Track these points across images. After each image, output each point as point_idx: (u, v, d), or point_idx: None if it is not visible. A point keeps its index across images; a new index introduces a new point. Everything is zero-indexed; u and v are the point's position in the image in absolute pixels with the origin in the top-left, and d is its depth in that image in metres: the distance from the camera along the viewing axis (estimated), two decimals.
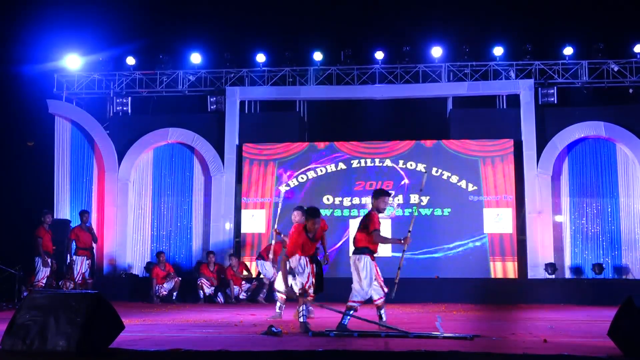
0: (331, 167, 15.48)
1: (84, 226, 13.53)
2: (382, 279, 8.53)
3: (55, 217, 15.20)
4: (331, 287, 14.15)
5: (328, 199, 15.34)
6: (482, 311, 11.47)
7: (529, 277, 14.56)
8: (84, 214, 13.74)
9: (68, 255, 13.40)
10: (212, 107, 15.97)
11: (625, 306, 5.87)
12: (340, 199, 15.34)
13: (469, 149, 15.21)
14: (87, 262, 13.23)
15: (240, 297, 13.99)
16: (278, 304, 9.81)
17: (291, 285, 8.75)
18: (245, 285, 14.08)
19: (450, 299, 13.45)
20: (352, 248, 8.22)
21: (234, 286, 13.99)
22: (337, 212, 15.29)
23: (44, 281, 12.58)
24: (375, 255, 8.17)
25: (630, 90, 15.46)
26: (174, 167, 16.07)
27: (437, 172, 15.19)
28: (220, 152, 15.67)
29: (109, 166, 15.78)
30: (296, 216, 9.48)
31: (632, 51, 15.17)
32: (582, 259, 14.93)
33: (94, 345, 5.72)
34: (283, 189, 15.29)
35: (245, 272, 14.32)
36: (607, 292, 13.18)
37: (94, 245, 13.87)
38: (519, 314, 10.93)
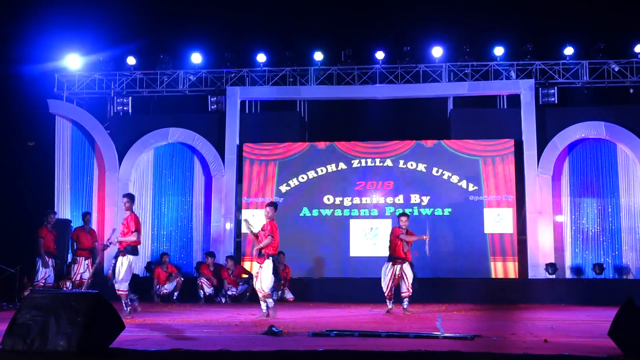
0: (331, 167, 15.47)
1: (86, 227, 13.58)
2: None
3: (55, 216, 15.20)
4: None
5: (328, 199, 15.34)
6: (482, 311, 11.47)
7: (529, 277, 14.56)
8: (86, 216, 13.83)
9: (70, 255, 13.44)
10: (212, 107, 15.97)
11: (625, 306, 5.88)
12: (340, 198, 15.34)
13: (470, 149, 15.21)
14: (86, 262, 13.26)
15: (229, 292, 13.97)
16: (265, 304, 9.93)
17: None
18: (243, 286, 14.05)
19: (451, 299, 13.44)
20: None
21: (228, 285, 14.00)
22: (338, 212, 15.29)
23: (44, 282, 12.60)
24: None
25: (631, 91, 15.43)
26: (175, 167, 16.07)
27: (437, 172, 15.19)
28: (221, 152, 15.67)
29: (109, 166, 15.78)
30: (269, 212, 9.91)
31: (632, 51, 15.16)
32: (583, 259, 14.92)
33: (95, 345, 5.73)
34: (283, 188, 15.32)
35: (245, 275, 14.29)
36: (607, 292, 13.19)
37: (96, 245, 13.88)
38: (519, 314, 10.94)
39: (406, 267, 10.94)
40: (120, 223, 10.37)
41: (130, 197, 10.36)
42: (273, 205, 10.04)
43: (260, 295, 9.79)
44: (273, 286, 13.87)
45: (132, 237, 9.92)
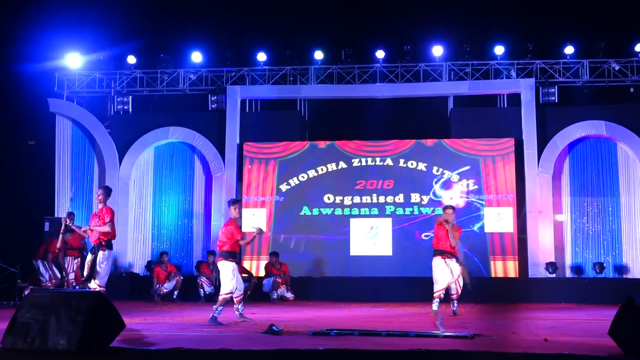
0: (332, 166, 15.47)
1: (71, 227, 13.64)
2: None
3: (56, 215, 15.23)
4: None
5: (329, 198, 15.33)
6: (482, 310, 11.47)
7: (529, 276, 14.55)
8: (69, 216, 13.85)
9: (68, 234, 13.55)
10: (213, 106, 15.97)
11: (625, 305, 5.88)
12: (341, 197, 15.34)
13: (470, 148, 15.20)
14: (76, 261, 13.37)
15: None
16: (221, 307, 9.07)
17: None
18: (244, 285, 14.06)
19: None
20: None
21: None
22: (338, 211, 15.29)
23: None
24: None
25: (631, 90, 15.42)
26: (175, 166, 16.08)
27: (437, 171, 15.19)
28: (221, 151, 15.67)
29: (109, 165, 15.78)
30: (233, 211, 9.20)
31: (633, 50, 15.16)
32: (583, 258, 14.92)
33: (95, 344, 5.73)
34: (284, 187, 15.32)
35: (244, 274, 14.30)
36: (607, 291, 13.19)
37: (84, 243, 13.92)
38: (519, 313, 10.94)
39: (453, 263, 10.18)
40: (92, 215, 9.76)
41: (106, 190, 9.80)
42: (232, 202, 9.36)
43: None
44: (271, 286, 14.01)
45: (106, 228, 9.34)
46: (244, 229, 9.77)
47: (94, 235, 9.52)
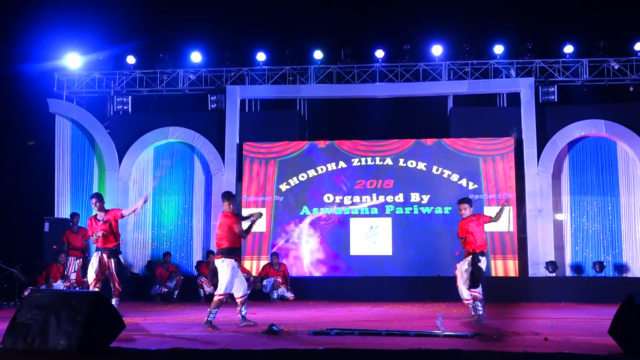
0: (332, 166, 15.47)
1: (74, 228, 13.69)
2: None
3: (55, 216, 15.24)
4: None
5: (329, 198, 15.33)
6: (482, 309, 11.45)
7: (529, 275, 14.55)
8: (74, 217, 13.90)
9: (63, 255, 13.56)
10: (212, 105, 15.97)
11: (625, 304, 5.89)
12: (340, 197, 15.33)
13: (470, 148, 15.20)
14: (77, 262, 13.42)
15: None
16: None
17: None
18: None
19: (451, 297, 13.39)
20: None
21: None
22: (338, 211, 15.29)
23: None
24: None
25: (631, 89, 15.42)
26: (175, 166, 16.07)
27: (437, 170, 15.19)
28: (221, 150, 15.67)
29: (109, 165, 15.78)
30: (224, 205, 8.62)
31: (632, 49, 15.15)
32: (583, 257, 14.92)
33: (95, 344, 5.74)
34: (283, 187, 15.31)
35: (244, 274, 14.30)
36: (607, 290, 13.18)
37: (87, 244, 13.94)
38: (519, 312, 10.94)
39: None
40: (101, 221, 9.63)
41: (98, 197, 9.70)
42: (224, 196, 8.66)
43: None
44: (271, 286, 14.02)
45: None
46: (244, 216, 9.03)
47: (107, 240, 9.47)
